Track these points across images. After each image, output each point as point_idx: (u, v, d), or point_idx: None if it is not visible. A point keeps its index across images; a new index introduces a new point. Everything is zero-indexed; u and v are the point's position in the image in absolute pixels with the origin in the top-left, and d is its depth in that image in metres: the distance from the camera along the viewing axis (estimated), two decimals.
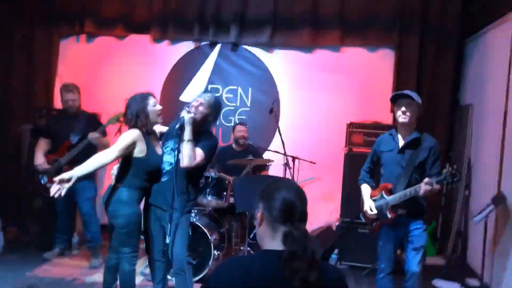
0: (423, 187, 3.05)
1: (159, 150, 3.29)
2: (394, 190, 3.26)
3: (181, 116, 3.13)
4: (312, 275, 1.46)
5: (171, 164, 3.18)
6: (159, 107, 3.25)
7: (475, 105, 5.10)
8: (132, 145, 3.09)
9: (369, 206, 3.37)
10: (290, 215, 1.56)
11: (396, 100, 3.31)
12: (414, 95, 3.27)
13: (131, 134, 3.11)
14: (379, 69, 5.62)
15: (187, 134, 3.09)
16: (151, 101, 3.21)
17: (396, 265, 3.41)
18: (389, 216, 3.26)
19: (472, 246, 4.92)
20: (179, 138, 3.12)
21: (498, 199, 4.01)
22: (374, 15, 5.50)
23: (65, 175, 2.83)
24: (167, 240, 3.15)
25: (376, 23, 5.50)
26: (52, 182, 4.30)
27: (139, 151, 3.12)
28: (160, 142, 3.41)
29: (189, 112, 3.13)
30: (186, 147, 3.09)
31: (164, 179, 3.21)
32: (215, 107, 3.28)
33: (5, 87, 5.96)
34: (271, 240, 1.58)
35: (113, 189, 3.18)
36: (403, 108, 3.24)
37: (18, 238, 5.24)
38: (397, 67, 5.52)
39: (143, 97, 3.20)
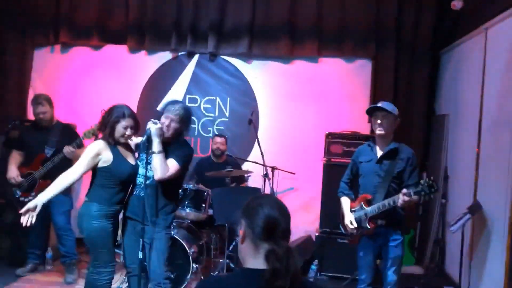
0: (401, 197, 3.06)
1: (131, 160, 3.22)
2: (372, 201, 3.27)
3: (147, 128, 3.06)
4: None
5: (146, 178, 3.11)
6: (128, 131, 3.17)
7: (451, 114, 5.19)
8: (96, 156, 3.06)
9: (350, 220, 3.37)
10: (273, 232, 1.53)
11: (372, 113, 3.34)
12: (389, 106, 3.30)
13: (94, 146, 3.09)
14: (357, 80, 5.66)
15: (156, 146, 3.03)
16: (125, 122, 3.14)
17: (376, 276, 3.41)
18: (368, 227, 3.27)
19: (450, 254, 4.97)
20: (147, 151, 3.05)
21: (474, 208, 4.06)
22: (351, 27, 5.57)
23: (30, 205, 2.83)
24: (140, 255, 3.06)
25: (353, 35, 5.57)
26: (26, 195, 4.25)
27: (104, 161, 3.09)
28: (136, 154, 3.35)
29: (155, 123, 3.06)
30: (156, 160, 3.03)
31: (141, 193, 3.13)
32: (186, 117, 3.21)
33: None
34: (253, 258, 1.54)
35: (84, 203, 3.14)
36: (379, 121, 3.28)
37: None
38: (374, 77, 5.59)
39: (122, 114, 3.14)
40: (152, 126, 3.03)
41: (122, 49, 5.88)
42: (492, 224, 3.90)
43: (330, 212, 4.74)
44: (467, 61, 4.80)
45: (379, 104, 3.31)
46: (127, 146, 3.28)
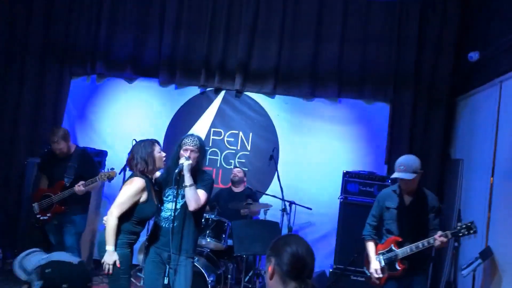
0: (438, 239, 3.24)
1: (155, 200, 3.37)
2: (403, 243, 3.43)
3: (180, 163, 3.31)
4: None
5: (175, 210, 3.32)
6: (163, 153, 3.40)
7: (465, 159, 5.34)
8: (139, 194, 3.19)
9: (375, 269, 3.50)
10: (301, 271, 1.67)
11: None
12: (410, 168, 3.36)
13: (139, 185, 3.20)
14: (375, 121, 5.89)
15: (188, 179, 3.28)
16: (157, 147, 3.36)
17: None
18: (398, 268, 3.42)
19: None
20: (178, 184, 3.29)
21: (486, 254, 4.16)
22: (370, 71, 5.82)
23: (110, 265, 3.10)
24: (165, 281, 3.26)
25: (372, 79, 5.81)
26: (43, 214, 4.52)
27: (140, 200, 3.23)
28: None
29: (187, 159, 3.31)
30: (190, 192, 3.28)
31: (171, 225, 3.31)
32: (202, 146, 3.48)
33: (14, 119, 6.16)
34: None
35: None
36: (399, 182, 3.49)
37: None
38: (392, 121, 5.78)
39: (151, 143, 3.35)
40: (185, 162, 3.29)
41: (154, 82, 6.20)
42: (503, 269, 3.99)
43: (345, 249, 4.88)
44: (482, 110, 4.97)
45: (399, 175, 3.39)
46: (152, 184, 3.41)
